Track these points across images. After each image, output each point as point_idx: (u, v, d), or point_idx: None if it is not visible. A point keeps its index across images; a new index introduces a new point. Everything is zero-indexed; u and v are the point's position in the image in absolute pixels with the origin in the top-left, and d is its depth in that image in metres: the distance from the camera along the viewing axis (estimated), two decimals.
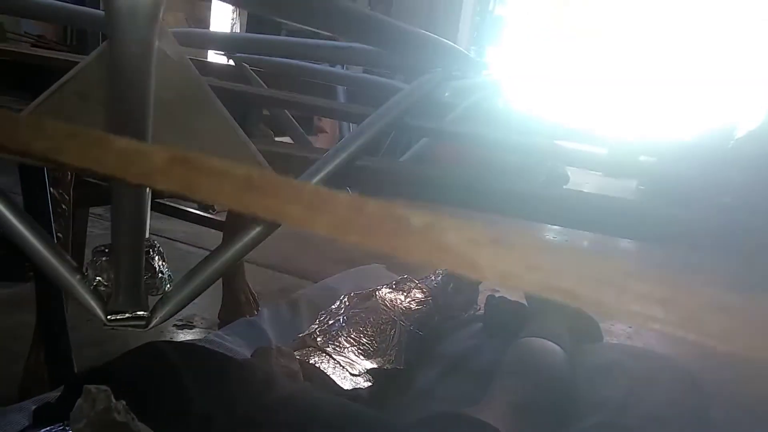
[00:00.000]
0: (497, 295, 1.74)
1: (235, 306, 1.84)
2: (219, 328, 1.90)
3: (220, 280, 1.89)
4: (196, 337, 1.87)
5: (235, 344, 1.44)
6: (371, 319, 1.42)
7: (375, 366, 1.32)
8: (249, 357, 1.09)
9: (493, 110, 1.37)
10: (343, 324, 1.41)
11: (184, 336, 1.87)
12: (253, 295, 1.88)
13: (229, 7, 3.11)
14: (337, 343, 1.35)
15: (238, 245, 0.64)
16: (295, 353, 1.27)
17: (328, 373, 1.21)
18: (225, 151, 0.56)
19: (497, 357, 1.41)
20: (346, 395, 1.16)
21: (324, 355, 1.29)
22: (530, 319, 1.58)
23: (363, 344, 1.36)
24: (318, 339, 1.37)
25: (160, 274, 0.55)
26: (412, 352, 1.42)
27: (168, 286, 0.55)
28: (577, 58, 7.20)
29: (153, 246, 0.55)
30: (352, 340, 1.36)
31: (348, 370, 1.27)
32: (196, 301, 1.92)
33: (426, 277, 1.71)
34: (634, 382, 1.37)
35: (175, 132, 0.52)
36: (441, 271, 1.74)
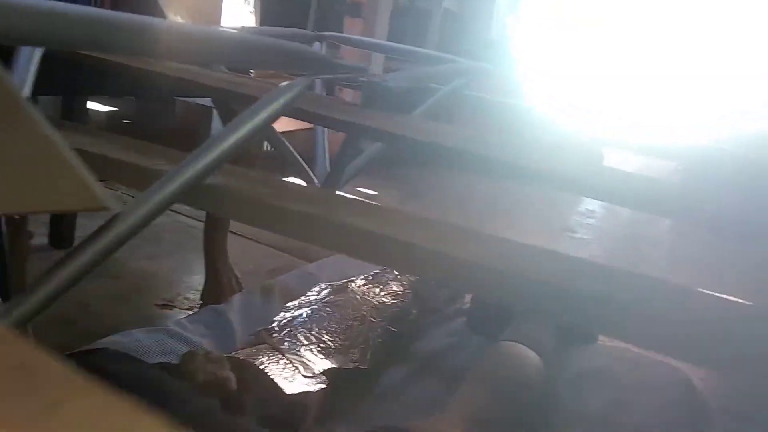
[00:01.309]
0: None
1: (216, 288, 1.79)
2: (200, 307, 1.86)
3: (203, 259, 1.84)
4: (180, 316, 1.84)
5: (196, 334, 1.38)
6: (337, 315, 1.35)
7: (334, 366, 1.24)
8: (178, 362, 1.02)
9: (472, 101, 1.26)
10: (306, 319, 1.33)
11: (164, 315, 1.83)
12: (237, 276, 1.82)
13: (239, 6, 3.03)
14: (295, 341, 1.28)
15: (99, 246, 0.56)
16: (243, 353, 1.20)
17: (275, 375, 1.14)
18: (39, 167, 0.47)
19: (474, 358, 1.33)
20: (288, 401, 1.08)
21: (276, 354, 1.22)
22: (516, 318, 1.48)
23: (324, 342, 1.28)
24: (274, 335, 1.30)
25: None
26: (382, 351, 1.35)
27: None
28: (579, 49, 6.98)
29: None
30: (312, 337, 1.29)
31: (300, 371, 1.19)
32: (182, 279, 1.87)
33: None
34: (621, 390, 1.28)
35: None
36: None
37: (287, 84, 0.50)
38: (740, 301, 0.40)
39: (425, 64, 1.44)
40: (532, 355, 1.26)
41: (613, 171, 0.77)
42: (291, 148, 1.25)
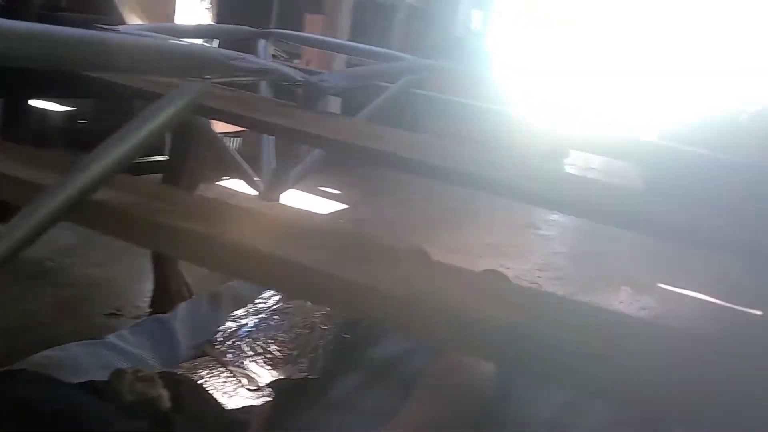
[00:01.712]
0: None
1: (165, 295, 1.73)
2: (150, 315, 1.80)
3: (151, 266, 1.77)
4: (125, 326, 1.77)
5: (138, 346, 1.32)
6: (286, 323, 1.30)
7: (281, 377, 1.19)
8: (105, 380, 0.96)
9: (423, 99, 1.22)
10: (253, 328, 1.28)
11: (111, 324, 1.76)
12: (186, 284, 1.76)
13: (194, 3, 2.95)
14: (240, 352, 1.23)
15: None
16: (183, 367, 1.15)
17: (215, 390, 1.09)
18: None
19: (428, 364, 1.29)
20: (228, 417, 1.03)
21: (219, 366, 1.17)
22: None
23: (270, 352, 1.24)
24: (217, 346, 1.25)
25: None
26: (333, 359, 1.30)
27: None
28: (554, 45, 7.03)
29: None
30: (258, 348, 1.24)
31: (243, 384, 1.14)
32: (133, 286, 1.80)
33: None
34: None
35: None
36: None
37: (181, 88, 0.46)
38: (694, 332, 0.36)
39: (378, 61, 1.40)
40: (483, 365, 1.23)
41: (571, 180, 0.74)
42: (232, 152, 1.19)
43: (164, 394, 0.93)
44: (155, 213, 0.46)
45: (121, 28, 1.22)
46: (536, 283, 2.53)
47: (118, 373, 0.92)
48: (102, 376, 1.11)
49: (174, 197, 0.52)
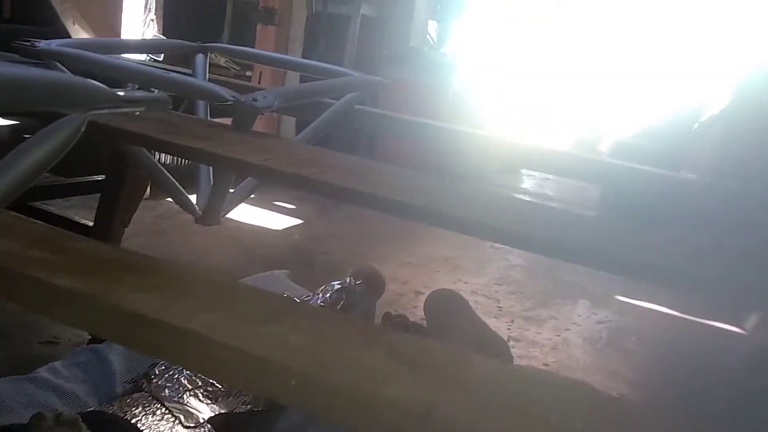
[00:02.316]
0: (394, 313, 1.56)
1: None
2: (88, 344, 1.71)
3: None
4: (63, 355, 1.68)
5: (70, 380, 1.24)
6: None
7: (223, 411, 1.13)
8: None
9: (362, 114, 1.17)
10: None
11: (47, 353, 1.67)
12: None
13: (140, 14, 2.88)
14: (178, 385, 1.16)
15: None
16: (117, 403, 1.08)
17: (149, 430, 1.02)
18: None
19: None
20: None
21: (155, 402, 1.10)
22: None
23: (212, 384, 1.17)
24: (154, 380, 1.17)
25: None
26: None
27: None
28: (526, 45, 7.09)
29: None
30: (198, 380, 1.17)
31: (181, 420, 1.08)
32: None
33: (313, 293, 1.52)
34: None
35: None
36: (333, 285, 1.56)
37: (51, 126, 0.40)
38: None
39: (322, 77, 1.35)
40: None
41: (519, 209, 0.70)
42: (170, 178, 1.13)
43: None
44: (28, 264, 0.40)
45: (39, 43, 1.15)
46: (494, 298, 2.51)
47: (38, 417, 0.84)
48: (28, 415, 1.03)
49: (62, 243, 0.46)
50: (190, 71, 1.43)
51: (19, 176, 0.42)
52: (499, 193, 0.85)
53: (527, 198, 4.73)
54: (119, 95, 0.42)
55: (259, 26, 3.99)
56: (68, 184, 1.62)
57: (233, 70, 3.68)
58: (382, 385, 0.31)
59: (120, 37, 2.94)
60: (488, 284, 2.65)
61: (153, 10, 2.90)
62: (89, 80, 0.41)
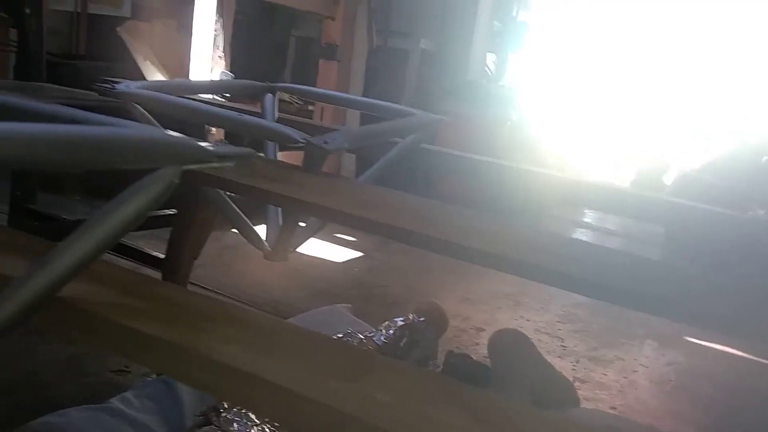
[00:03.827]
0: (457, 351, 1.54)
1: None
2: (158, 376, 1.75)
3: None
4: (133, 384, 1.72)
5: (141, 411, 1.27)
6: None
7: None
8: None
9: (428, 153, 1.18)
10: None
11: (118, 382, 1.71)
12: None
13: (212, 15, 2.98)
14: (246, 420, 1.17)
15: None
16: None
17: None
18: None
19: None
20: None
21: None
22: (491, 382, 1.39)
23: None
24: (223, 413, 1.19)
25: None
26: None
27: None
28: (585, 75, 7.02)
29: None
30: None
31: None
32: None
33: (376, 330, 1.52)
34: None
35: None
36: (396, 322, 1.56)
37: (146, 179, 0.42)
38: None
39: (385, 115, 1.37)
40: None
41: (580, 251, 0.69)
42: (241, 215, 1.16)
43: None
44: (124, 313, 0.42)
45: (119, 85, 1.20)
46: (558, 336, 2.45)
47: None
48: None
49: (156, 291, 0.48)
50: (252, 107, 1.48)
51: (115, 228, 0.44)
52: (561, 236, 0.84)
53: (589, 233, 4.64)
54: (211, 151, 0.44)
55: (321, 62, 4.08)
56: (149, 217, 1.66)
57: (296, 105, 3.76)
58: None
59: (189, 73, 3.05)
60: (551, 322, 2.60)
61: (221, 47, 3.00)
62: (183, 136, 0.43)
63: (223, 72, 3.04)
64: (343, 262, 3.12)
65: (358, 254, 3.25)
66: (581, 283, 0.65)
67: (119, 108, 1.18)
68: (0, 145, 0.31)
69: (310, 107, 3.97)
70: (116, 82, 1.20)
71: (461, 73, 5.38)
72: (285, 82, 1.76)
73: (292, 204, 0.79)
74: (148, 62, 3.45)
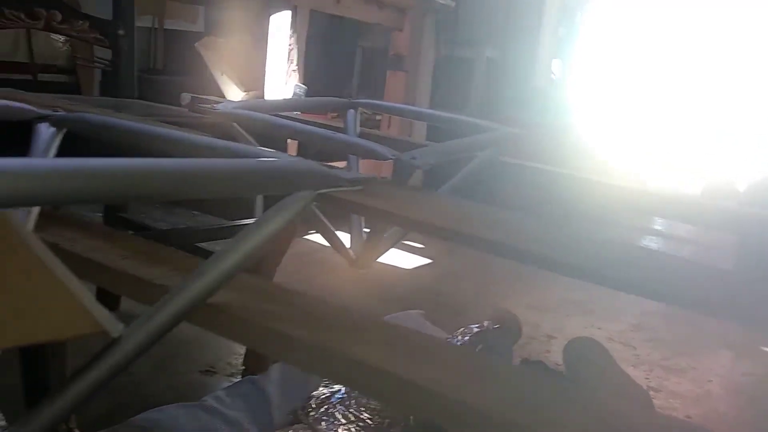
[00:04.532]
0: (532, 360, 1.58)
1: (257, 354, 1.77)
2: (243, 376, 1.84)
3: None
4: (220, 383, 1.82)
5: (233, 409, 1.36)
6: None
7: None
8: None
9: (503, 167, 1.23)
10: (344, 395, 1.30)
11: (204, 382, 1.81)
12: None
13: (287, 30, 3.09)
14: (333, 419, 1.24)
15: (97, 373, 0.54)
16: None
17: None
18: (38, 297, 0.46)
19: None
20: None
21: None
22: None
23: (363, 420, 1.24)
24: (311, 413, 1.26)
25: None
26: (425, 427, 1.29)
27: None
28: (653, 83, 6.86)
29: None
30: (351, 415, 1.25)
31: None
32: (224, 343, 1.84)
33: (452, 336, 1.57)
34: None
35: None
36: (472, 329, 1.60)
37: (287, 200, 0.48)
38: None
39: (460, 129, 1.42)
40: None
41: (652, 260, 0.73)
42: (329, 225, 1.23)
43: None
44: (269, 317, 0.48)
45: (218, 106, 1.29)
46: (631, 345, 2.44)
47: None
48: None
49: (285, 298, 0.54)
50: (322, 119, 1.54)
51: (257, 243, 0.50)
52: (636, 246, 0.87)
53: (660, 240, 4.55)
54: (343, 177, 0.50)
55: (389, 72, 4.16)
56: (229, 226, 1.78)
57: (364, 115, 3.84)
58: None
59: (264, 86, 3.17)
60: (624, 331, 2.59)
61: (295, 61, 3.11)
62: (318, 165, 0.50)
63: (296, 85, 3.15)
64: (412, 269, 3.17)
65: (426, 261, 3.30)
66: (659, 292, 0.68)
67: (214, 123, 1.27)
68: (185, 180, 0.38)
69: (378, 117, 4.05)
70: (217, 103, 1.29)
71: (526, 81, 5.37)
72: (351, 93, 1.83)
73: (380, 216, 0.84)
74: (224, 76, 3.59)
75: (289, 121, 1.14)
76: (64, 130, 0.66)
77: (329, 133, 0.98)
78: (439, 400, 0.40)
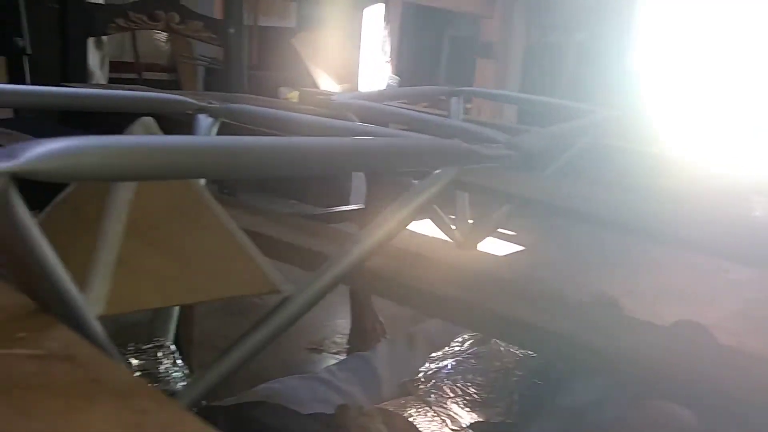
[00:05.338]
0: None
1: (362, 333, 1.86)
2: (348, 354, 1.93)
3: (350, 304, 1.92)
4: (326, 360, 1.92)
5: (345, 382, 1.44)
6: (481, 367, 1.36)
7: (481, 419, 1.26)
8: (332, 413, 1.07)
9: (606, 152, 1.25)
10: (451, 370, 1.36)
11: (311, 359, 1.92)
12: (380, 322, 1.88)
13: (380, 22, 3.18)
14: (441, 393, 1.30)
15: (272, 326, 0.62)
16: (391, 404, 1.25)
17: (423, 429, 1.17)
18: (220, 259, 0.55)
19: (621, 416, 1.29)
20: None
21: (424, 406, 1.26)
22: None
23: (469, 394, 1.30)
24: (420, 387, 1.33)
25: (167, 377, 0.54)
26: (528, 404, 1.34)
27: (179, 384, 0.55)
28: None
29: (161, 346, 0.55)
30: (458, 390, 1.31)
31: (447, 424, 1.22)
32: (328, 322, 1.95)
33: None
34: None
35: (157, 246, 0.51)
36: None
37: (433, 177, 0.54)
38: None
39: (559, 114, 1.44)
40: (686, 417, 1.20)
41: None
42: (435, 207, 1.29)
43: (383, 429, 1.02)
44: (417, 280, 0.55)
45: (333, 97, 1.37)
46: (734, 334, 2.38)
47: (343, 408, 1.02)
48: (319, 408, 1.24)
49: (431, 264, 0.60)
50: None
51: (408, 214, 0.57)
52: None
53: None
54: (485, 153, 0.56)
55: (479, 60, 4.18)
56: (334, 212, 1.87)
57: None
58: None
59: (358, 78, 3.26)
60: (726, 318, 2.53)
61: (388, 53, 3.19)
62: (462, 143, 0.56)
63: (390, 76, 3.23)
64: (505, 256, 3.19)
65: (519, 248, 3.31)
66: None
67: (330, 114, 1.36)
68: (373, 156, 0.45)
69: (468, 105, 4.08)
70: (333, 95, 1.37)
71: (618, 66, 5.25)
72: (439, 82, 1.87)
73: (492, 193, 0.88)
74: (319, 70, 3.71)
75: (400, 109, 1.21)
76: (219, 121, 0.75)
77: (442, 120, 1.04)
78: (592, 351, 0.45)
